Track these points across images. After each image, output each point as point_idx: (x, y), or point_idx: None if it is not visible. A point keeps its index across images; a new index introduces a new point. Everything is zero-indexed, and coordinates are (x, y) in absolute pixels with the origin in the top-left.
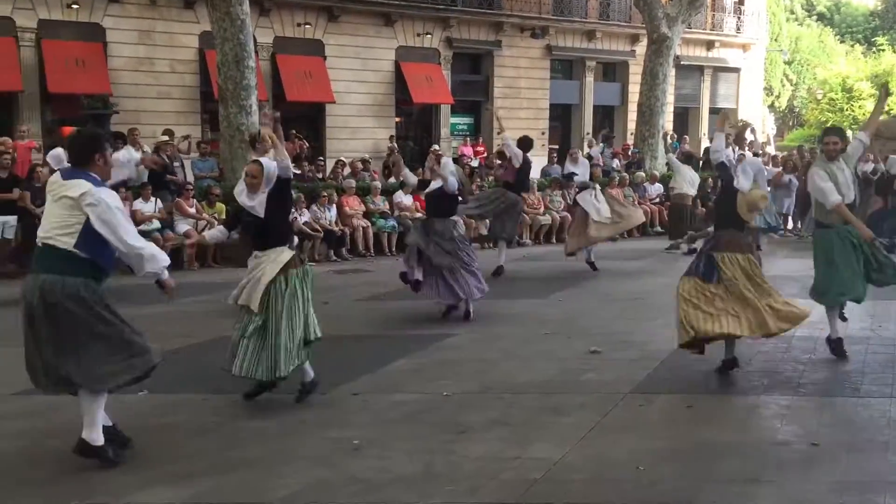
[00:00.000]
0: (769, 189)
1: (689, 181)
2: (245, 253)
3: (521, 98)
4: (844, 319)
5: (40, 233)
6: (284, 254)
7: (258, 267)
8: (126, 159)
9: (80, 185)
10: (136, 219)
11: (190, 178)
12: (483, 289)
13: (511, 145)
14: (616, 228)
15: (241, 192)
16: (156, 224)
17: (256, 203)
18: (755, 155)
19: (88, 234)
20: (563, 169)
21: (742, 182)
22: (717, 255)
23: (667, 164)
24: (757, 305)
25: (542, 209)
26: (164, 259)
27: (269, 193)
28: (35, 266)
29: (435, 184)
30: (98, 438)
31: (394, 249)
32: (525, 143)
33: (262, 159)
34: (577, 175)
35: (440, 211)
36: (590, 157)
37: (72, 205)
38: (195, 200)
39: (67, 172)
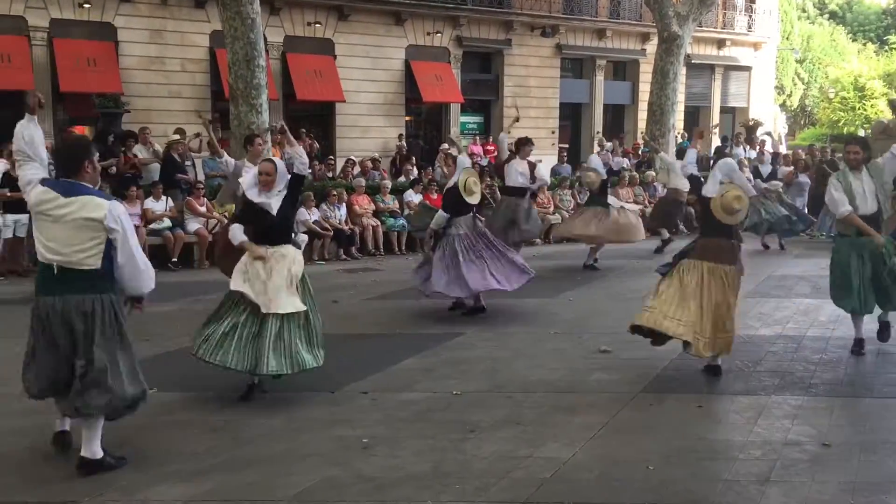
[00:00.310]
0: (781, 187)
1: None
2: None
3: (531, 97)
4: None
5: (49, 255)
6: (299, 255)
7: (272, 267)
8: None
9: (94, 205)
10: (148, 217)
11: (201, 176)
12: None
13: (503, 141)
14: (612, 235)
15: (250, 188)
16: (166, 223)
17: (272, 200)
18: (769, 155)
19: (108, 251)
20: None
21: (709, 188)
22: (684, 261)
23: (657, 162)
24: (698, 317)
25: (551, 208)
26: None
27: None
28: (52, 289)
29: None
30: (98, 451)
31: (403, 248)
32: (520, 144)
33: (275, 158)
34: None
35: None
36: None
37: (92, 226)
38: (206, 199)
39: (64, 186)
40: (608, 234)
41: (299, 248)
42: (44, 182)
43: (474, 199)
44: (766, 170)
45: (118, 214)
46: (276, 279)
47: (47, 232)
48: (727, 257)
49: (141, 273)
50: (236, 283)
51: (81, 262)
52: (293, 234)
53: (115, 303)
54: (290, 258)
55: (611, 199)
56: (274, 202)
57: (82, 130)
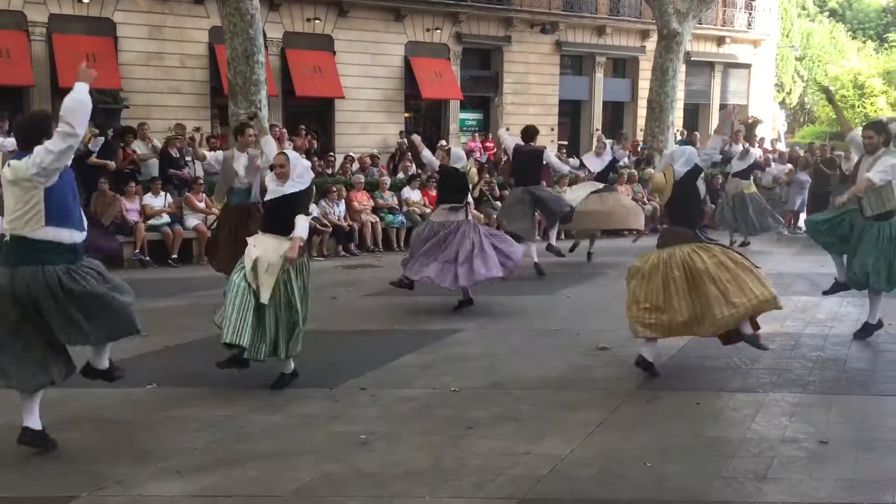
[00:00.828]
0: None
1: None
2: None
3: (531, 94)
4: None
5: (6, 225)
6: (284, 243)
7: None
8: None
9: (19, 165)
10: (146, 213)
11: (199, 172)
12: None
13: (503, 137)
14: (597, 223)
15: (267, 178)
16: (165, 218)
17: (288, 189)
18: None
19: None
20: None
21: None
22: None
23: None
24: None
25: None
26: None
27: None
28: (14, 259)
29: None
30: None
31: (402, 245)
32: (526, 133)
33: (288, 151)
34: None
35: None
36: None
37: (26, 185)
38: (204, 195)
39: (17, 157)
40: (613, 216)
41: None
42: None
43: (475, 191)
44: (736, 149)
45: (32, 157)
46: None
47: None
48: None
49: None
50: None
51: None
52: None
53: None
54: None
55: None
56: (288, 189)
57: None
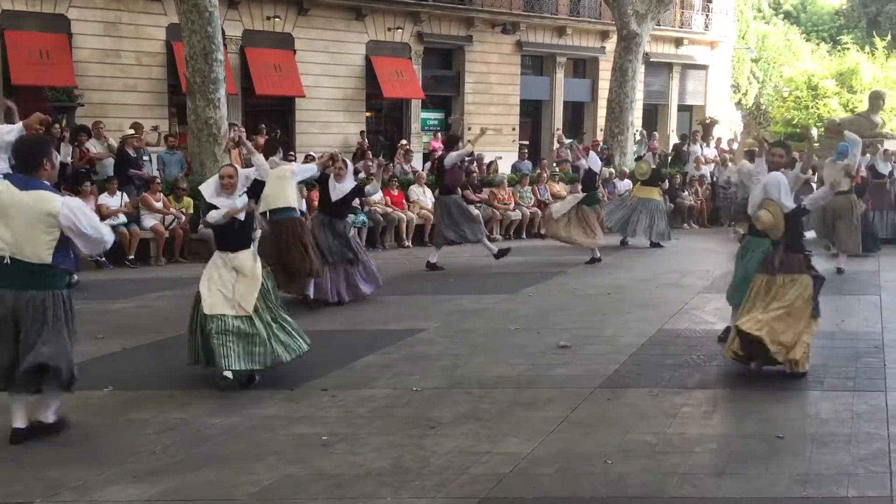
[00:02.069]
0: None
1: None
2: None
3: (492, 93)
4: None
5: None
6: (258, 257)
7: (235, 271)
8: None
9: (47, 199)
10: (102, 213)
11: (156, 171)
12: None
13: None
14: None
15: (211, 195)
16: (122, 219)
17: (239, 203)
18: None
19: (62, 247)
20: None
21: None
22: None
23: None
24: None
25: (512, 204)
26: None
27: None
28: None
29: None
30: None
31: (363, 244)
32: (449, 141)
33: (236, 164)
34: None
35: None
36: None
37: (49, 221)
38: (162, 195)
39: (21, 181)
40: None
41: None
42: (5, 176)
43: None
44: (695, 150)
45: (73, 209)
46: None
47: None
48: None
49: (100, 244)
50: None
51: (31, 255)
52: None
53: (65, 298)
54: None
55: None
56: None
57: None
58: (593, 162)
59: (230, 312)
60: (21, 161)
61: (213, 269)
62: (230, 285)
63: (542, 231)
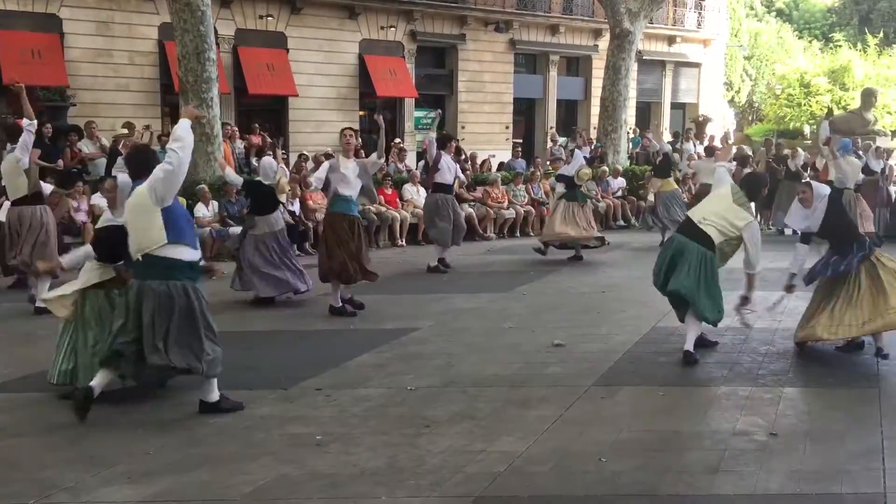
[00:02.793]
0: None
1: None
2: None
3: (486, 92)
4: None
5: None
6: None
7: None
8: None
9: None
10: (95, 213)
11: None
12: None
13: (431, 140)
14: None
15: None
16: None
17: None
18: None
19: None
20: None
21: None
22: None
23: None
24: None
25: (505, 203)
26: None
27: None
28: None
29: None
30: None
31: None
32: (441, 141)
33: (120, 175)
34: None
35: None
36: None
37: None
38: None
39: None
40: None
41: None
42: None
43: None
44: (688, 147)
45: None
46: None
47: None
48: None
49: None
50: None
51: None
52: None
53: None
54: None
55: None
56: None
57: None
58: (577, 160)
59: None
60: (132, 167)
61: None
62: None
63: (539, 241)
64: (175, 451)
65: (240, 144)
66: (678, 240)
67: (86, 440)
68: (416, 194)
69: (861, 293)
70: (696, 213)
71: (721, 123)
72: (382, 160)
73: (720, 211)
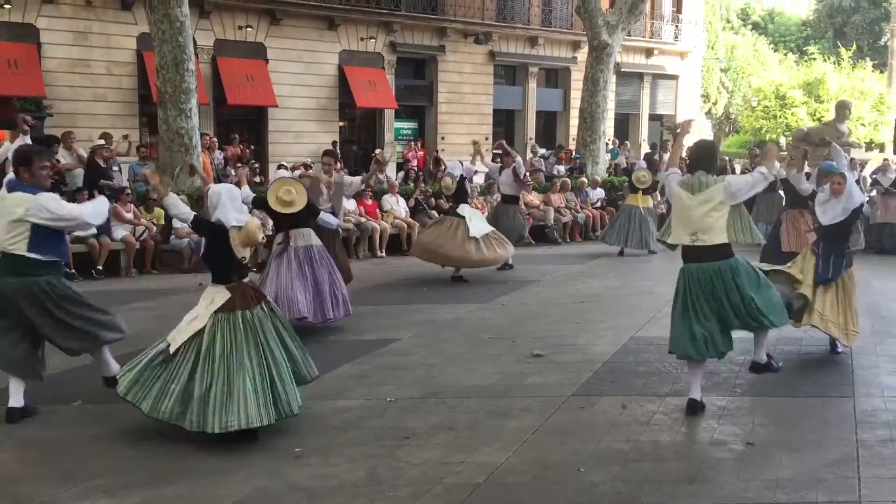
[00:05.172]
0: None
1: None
2: None
3: (465, 103)
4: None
5: None
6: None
7: None
8: None
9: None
10: None
11: (126, 182)
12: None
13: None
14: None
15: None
16: (92, 230)
17: None
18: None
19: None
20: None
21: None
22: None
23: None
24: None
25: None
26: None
27: None
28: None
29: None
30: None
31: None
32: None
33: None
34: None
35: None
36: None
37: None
38: (133, 205)
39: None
40: (469, 256)
41: None
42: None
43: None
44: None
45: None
46: None
47: None
48: None
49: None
50: None
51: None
52: None
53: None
54: None
55: (474, 225)
56: None
57: (2, 135)
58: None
59: None
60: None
61: None
62: None
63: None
64: (150, 464)
65: (219, 155)
66: (697, 276)
67: (62, 454)
68: (396, 204)
69: (839, 299)
70: (682, 237)
71: (699, 135)
72: (363, 187)
73: (696, 217)
